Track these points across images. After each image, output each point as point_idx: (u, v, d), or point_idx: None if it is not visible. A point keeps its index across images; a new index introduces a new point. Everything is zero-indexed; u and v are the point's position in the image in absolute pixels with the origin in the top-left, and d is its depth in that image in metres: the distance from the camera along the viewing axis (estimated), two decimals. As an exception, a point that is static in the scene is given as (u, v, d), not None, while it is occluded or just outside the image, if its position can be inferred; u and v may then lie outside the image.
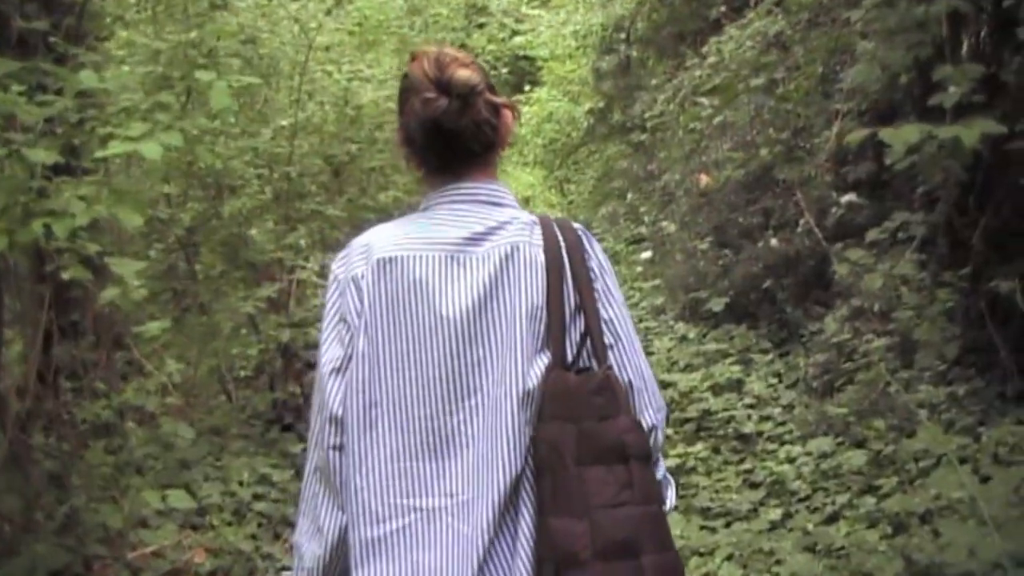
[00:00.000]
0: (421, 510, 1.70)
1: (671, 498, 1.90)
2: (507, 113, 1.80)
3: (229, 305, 5.01)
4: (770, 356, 6.52)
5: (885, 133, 3.36)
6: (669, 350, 7.14)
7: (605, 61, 10.77)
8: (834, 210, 6.33)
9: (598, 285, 1.79)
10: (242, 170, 4.75)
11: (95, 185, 2.23)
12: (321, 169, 5.84)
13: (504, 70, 18.40)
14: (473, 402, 1.72)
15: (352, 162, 5.81)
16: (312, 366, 6.36)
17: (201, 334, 5.02)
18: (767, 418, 5.58)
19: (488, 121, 1.76)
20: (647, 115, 8.58)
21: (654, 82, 9.48)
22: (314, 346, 5.61)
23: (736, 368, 6.30)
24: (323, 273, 5.12)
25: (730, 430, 5.41)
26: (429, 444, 1.72)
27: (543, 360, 1.71)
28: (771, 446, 5.20)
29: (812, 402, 5.72)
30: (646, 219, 9.44)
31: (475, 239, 1.74)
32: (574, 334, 1.75)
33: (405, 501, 1.71)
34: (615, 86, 10.75)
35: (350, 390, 1.74)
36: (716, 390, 6.10)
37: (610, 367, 1.73)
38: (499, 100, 1.76)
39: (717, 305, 6.75)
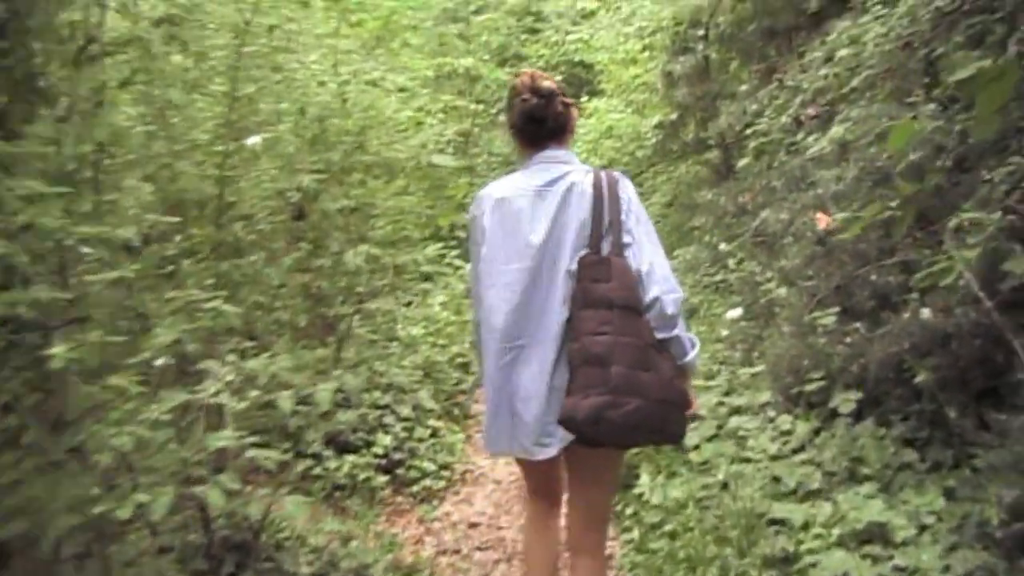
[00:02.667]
0: (521, 346, 3.31)
1: (692, 354, 3.29)
2: (573, 110, 3.50)
3: (98, 433, 3.23)
4: (922, 481, 4.61)
5: None
6: (773, 458, 5.24)
7: (679, 64, 8.91)
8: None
9: (625, 207, 3.24)
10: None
11: None
12: (274, 210, 4.05)
13: (558, 78, 16.66)
14: (548, 281, 3.28)
15: (315, 200, 4.00)
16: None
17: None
18: (938, 603, 3.69)
19: (561, 113, 3.40)
20: (751, 131, 6.65)
21: (743, 87, 7.58)
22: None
23: (876, 503, 4.41)
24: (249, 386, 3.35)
25: (886, 631, 3.52)
26: (523, 307, 3.30)
27: (584, 253, 3.22)
28: (960, 672, 3.31)
29: (999, 562, 3.86)
30: (730, 263, 7.53)
31: (551, 183, 3.31)
32: (609, 238, 3.22)
33: (510, 344, 3.32)
34: (691, 94, 8.88)
35: (479, 279, 3.42)
36: (849, 540, 4.22)
37: (618, 255, 3.18)
38: (568, 100, 3.45)
39: (845, 405, 4.85)
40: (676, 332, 3.21)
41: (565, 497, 3.71)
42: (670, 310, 3.16)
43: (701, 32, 9.13)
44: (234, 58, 3.89)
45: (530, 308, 3.30)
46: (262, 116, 4.58)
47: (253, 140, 4.94)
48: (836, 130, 4.53)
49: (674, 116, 9.22)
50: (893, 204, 5.19)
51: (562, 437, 3.26)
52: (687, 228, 10.25)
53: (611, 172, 3.34)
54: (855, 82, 4.49)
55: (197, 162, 3.94)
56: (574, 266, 3.23)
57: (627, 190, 3.29)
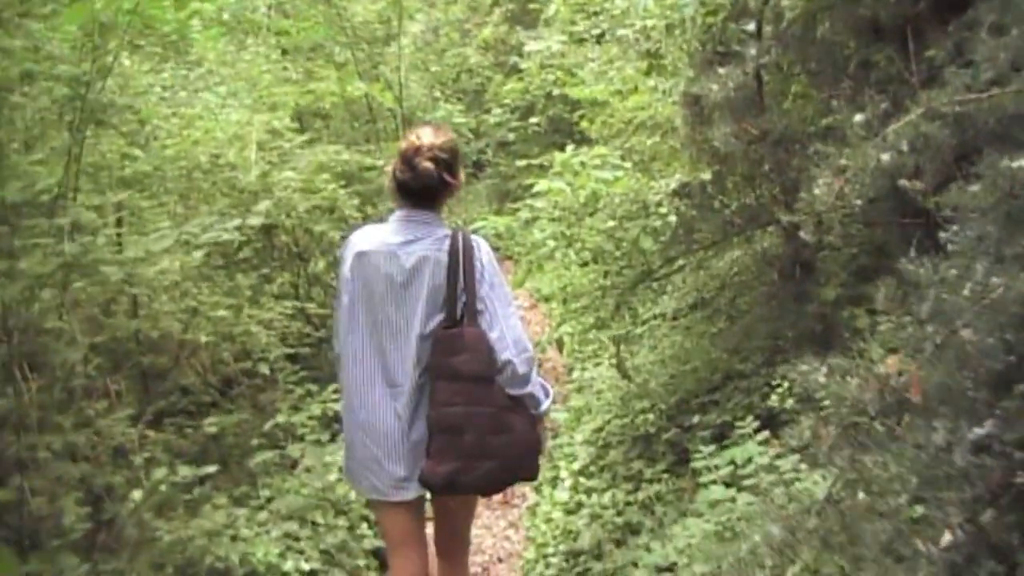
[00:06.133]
0: (377, 394, 3.73)
1: (546, 403, 3.85)
2: (455, 183, 3.78)
3: None
4: None
5: None
6: None
7: (713, 83, 5.13)
8: None
9: (478, 274, 3.64)
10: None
11: None
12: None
13: (534, 119, 13.05)
14: (400, 339, 3.68)
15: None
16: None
17: None
18: None
19: (436, 188, 3.73)
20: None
21: (858, 118, 3.81)
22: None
23: None
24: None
25: None
26: (377, 357, 3.71)
27: (439, 317, 3.66)
28: None
29: None
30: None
31: (407, 243, 3.69)
32: (460, 302, 3.64)
33: (366, 389, 3.74)
34: (737, 135, 5.10)
35: (340, 328, 3.83)
36: None
37: (471, 322, 3.62)
38: (449, 179, 3.73)
39: None
40: (528, 389, 3.75)
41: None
42: (521, 370, 3.70)
43: (751, 26, 5.38)
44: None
45: (384, 360, 3.76)
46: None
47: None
48: None
49: (707, 175, 5.41)
50: None
51: (418, 487, 3.81)
52: (718, 353, 6.45)
53: (468, 235, 3.78)
54: None
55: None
56: (427, 330, 3.70)
57: (482, 255, 3.74)
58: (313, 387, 7.97)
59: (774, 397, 5.04)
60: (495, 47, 17.59)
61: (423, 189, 3.71)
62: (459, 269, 3.62)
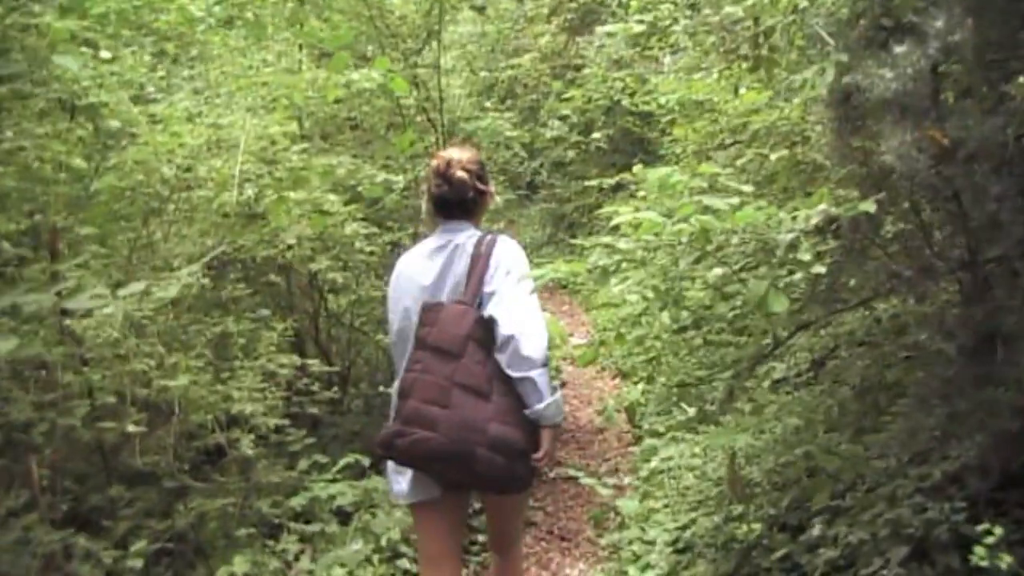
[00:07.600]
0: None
1: (544, 403, 3.60)
2: (487, 195, 4.02)
3: None
4: None
5: None
6: None
7: (885, 67, 3.43)
8: None
9: (493, 262, 3.73)
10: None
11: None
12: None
13: (596, 135, 11.40)
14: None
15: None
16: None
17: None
18: None
19: (473, 199, 3.92)
20: None
21: None
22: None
23: None
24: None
25: None
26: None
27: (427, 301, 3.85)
28: None
29: None
30: None
31: (443, 246, 3.86)
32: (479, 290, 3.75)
33: (406, 365, 3.76)
34: (920, 147, 3.38)
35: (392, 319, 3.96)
36: None
37: (470, 304, 3.69)
38: (482, 188, 3.95)
39: None
40: (530, 373, 3.57)
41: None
42: (525, 351, 3.56)
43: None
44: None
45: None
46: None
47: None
48: None
49: (869, 206, 3.67)
50: None
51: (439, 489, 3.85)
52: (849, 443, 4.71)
53: (493, 235, 3.88)
54: None
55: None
56: None
57: (500, 254, 3.80)
58: (323, 458, 6.38)
59: (978, 549, 3.32)
60: (552, 58, 16.11)
61: (459, 200, 3.91)
62: (479, 261, 3.76)
